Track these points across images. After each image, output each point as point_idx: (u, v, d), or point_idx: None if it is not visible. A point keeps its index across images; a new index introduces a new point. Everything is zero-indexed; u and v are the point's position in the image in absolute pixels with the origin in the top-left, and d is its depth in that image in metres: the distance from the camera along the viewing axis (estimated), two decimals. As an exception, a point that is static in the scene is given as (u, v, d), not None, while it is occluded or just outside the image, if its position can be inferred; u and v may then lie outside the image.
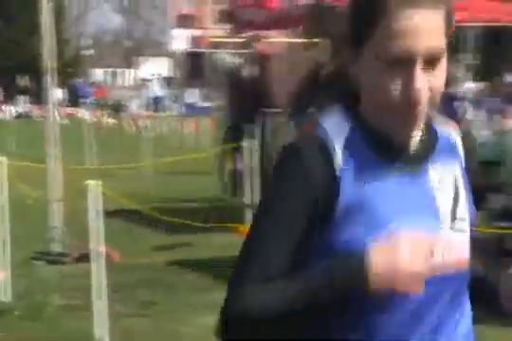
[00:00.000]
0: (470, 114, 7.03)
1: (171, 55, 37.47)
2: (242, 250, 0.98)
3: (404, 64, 0.93)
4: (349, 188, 0.96)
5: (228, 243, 6.68)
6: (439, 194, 1.01)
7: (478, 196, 1.37)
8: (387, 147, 1.00)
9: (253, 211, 7.32)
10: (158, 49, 45.48)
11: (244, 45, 9.32)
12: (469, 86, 10.10)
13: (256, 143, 7.56)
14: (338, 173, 0.97)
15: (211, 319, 3.78)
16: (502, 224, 5.43)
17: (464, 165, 1.07)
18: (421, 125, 0.99)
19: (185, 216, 7.14)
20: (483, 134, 6.43)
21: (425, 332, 0.97)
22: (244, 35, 8.79)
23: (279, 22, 7.77)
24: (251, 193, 7.61)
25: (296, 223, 0.96)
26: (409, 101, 0.93)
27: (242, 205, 8.00)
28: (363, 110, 1.02)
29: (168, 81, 36.06)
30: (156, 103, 30.06)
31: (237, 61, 9.41)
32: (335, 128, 1.00)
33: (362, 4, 0.98)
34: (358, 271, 0.87)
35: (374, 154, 1.00)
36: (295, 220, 0.96)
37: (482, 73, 8.73)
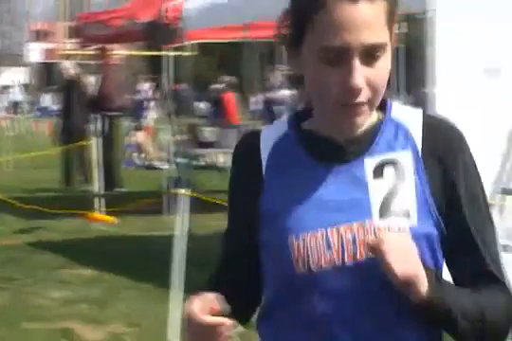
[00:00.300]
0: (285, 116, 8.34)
1: (28, 65, 41.71)
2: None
3: (341, 59, 0.88)
4: (269, 183, 0.98)
5: (76, 227, 7.65)
6: (373, 186, 0.93)
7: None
8: (319, 142, 0.97)
9: (100, 199, 8.21)
10: (17, 60, 47.54)
11: (91, 57, 10.24)
12: (285, 92, 11.61)
13: (100, 140, 8.45)
14: (262, 171, 0.99)
15: (62, 293, 4.96)
16: None
17: (422, 154, 0.95)
18: (363, 119, 0.93)
19: (40, 203, 7.77)
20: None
21: None
22: (91, 48, 9.63)
23: (121, 37, 8.53)
24: (98, 183, 8.32)
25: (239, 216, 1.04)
26: (346, 96, 0.89)
27: (90, 193, 8.63)
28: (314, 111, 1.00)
29: (26, 88, 38.40)
30: (16, 107, 31.42)
31: (79, 70, 10.44)
32: (272, 128, 1.06)
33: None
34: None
35: (303, 150, 0.98)
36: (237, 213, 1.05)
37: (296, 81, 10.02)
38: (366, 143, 0.95)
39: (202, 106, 15.54)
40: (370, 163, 0.94)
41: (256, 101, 16.31)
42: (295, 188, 0.95)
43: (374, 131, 0.97)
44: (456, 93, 3.97)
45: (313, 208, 0.93)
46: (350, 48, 0.86)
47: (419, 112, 1.01)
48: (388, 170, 0.93)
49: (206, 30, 7.24)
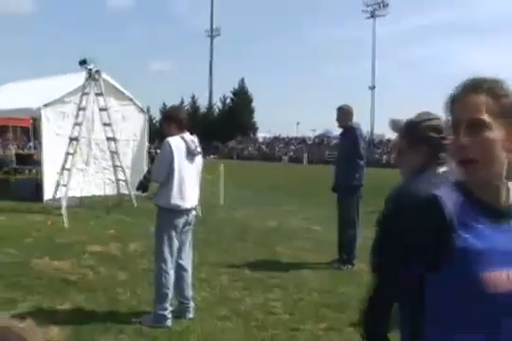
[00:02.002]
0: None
1: None
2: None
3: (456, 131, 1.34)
4: (457, 236, 1.31)
5: None
6: None
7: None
8: (480, 204, 1.34)
9: None
10: None
11: None
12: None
13: None
14: (447, 225, 1.31)
15: None
16: None
17: None
18: (500, 182, 1.34)
19: None
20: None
21: None
22: None
23: None
24: None
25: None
26: (455, 155, 1.35)
27: None
28: None
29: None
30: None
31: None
32: (445, 192, 1.38)
33: None
34: None
35: (472, 210, 1.34)
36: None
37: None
38: None
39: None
40: None
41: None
42: (479, 237, 1.30)
43: None
44: None
45: (498, 253, 1.29)
46: (458, 122, 1.34)
47: None
48: None
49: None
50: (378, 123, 72.11)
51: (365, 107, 70.23)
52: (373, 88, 74.31)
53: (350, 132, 7.08)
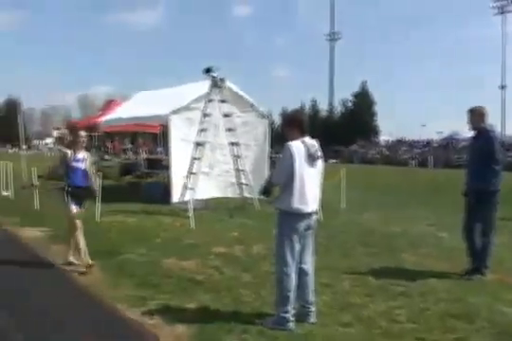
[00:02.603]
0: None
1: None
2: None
3: None
4: None
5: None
6: None
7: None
8: None
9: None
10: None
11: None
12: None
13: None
14: None
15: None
16: None
17: None
18: None
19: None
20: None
21: None
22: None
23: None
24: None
25: None
26: None
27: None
28: None
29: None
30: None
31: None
32: None
33: None
34: None
35: None
36: None
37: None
38: None
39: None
40: None
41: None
42: None
43: None
44: None
45: None
46: None
47: None
48: None
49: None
50: (510, 124, 67.85)
51: (496, 107, 66.38)
52: (503, 87, 70.11)
53: (483, 134, 6.72)
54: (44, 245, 8.40)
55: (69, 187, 7.00)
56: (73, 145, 7.11)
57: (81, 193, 7.04)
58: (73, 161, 6.97)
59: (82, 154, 7.08)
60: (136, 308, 5.24)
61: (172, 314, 5.05)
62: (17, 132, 19.84)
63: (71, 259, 7.19)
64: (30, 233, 9.54)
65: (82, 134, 7.19)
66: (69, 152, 7.03)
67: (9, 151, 79.74)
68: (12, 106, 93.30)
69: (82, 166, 7.03)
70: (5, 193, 16.06)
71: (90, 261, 6.78)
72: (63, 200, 7.02)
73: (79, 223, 6.95)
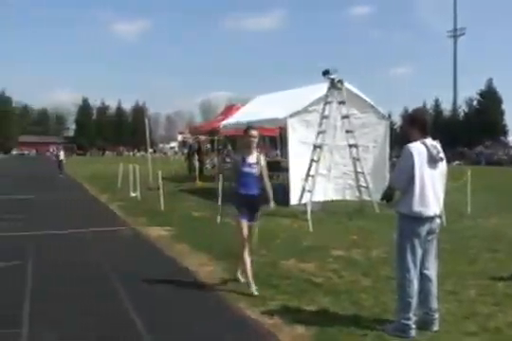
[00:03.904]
0: None
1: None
2: None
3: None
4: None
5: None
6: None
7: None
8: None
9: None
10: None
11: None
12: None
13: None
14: None
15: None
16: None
17: None
18: None
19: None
20: None
21: None
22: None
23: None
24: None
25: None
26: None
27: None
28: None
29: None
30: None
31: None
32: None
33: None
34: None
35: None
36: None
37: None
38: None
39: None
40: None
41: None
42: None
43: None
44: None
45: None
46: None
47: None
48: None
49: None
50: None
51: None
52: None
53: None
54: (168, 244, 8.83)
55: (239, 195, 6.07)
56: (243, 147, 6.22)
57: (253, 203, 6.08)
58: (244, 166, 6.02)
59: (253, 158, 6.09)
60: (256, 307, 5.36)
61: (291, 314, 5.10)
62: (144, 136, 21.02)
63: (239, 276, 6.43)
64: (156, 232, 10.07)
65: (254, 133, 6.11)
66: (239, 157, 6.14)
67: (137, 154, 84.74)
68: (140, 112, 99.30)
69: (254, 171, 6.05)
70: (133, 194, 17.08)
71: (253, 290, 5.90)
72: (231, 211, 6.24)
73: (245, 239, 6.04)
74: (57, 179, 26.42)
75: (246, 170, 6.00)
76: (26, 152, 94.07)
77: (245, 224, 6.00)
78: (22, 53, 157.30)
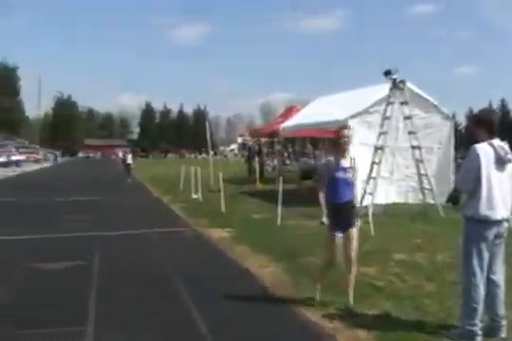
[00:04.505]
0: None
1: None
2: None
3: None
4: None
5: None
6: None
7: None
8: None
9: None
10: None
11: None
12: None
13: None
14: None
15: None
16: None
17: None
18: None
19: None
20: None
21: None
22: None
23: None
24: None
25: None
26: None
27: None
28: None
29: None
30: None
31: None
32: None
33: None
34: None
35: None
36: None
37: None
38: None
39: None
40: None
41: None
42: None
43: None
44: None
45: None
46: None
47: None
48: None
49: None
50: None
51: None
52: None
53: None
54: (229, 246, 8.92)
55: (330, 204, 5.43)
56: (337, 149, 5.54)
57: (346, 210, 5.46)
58: (338, 171, 5.39)
59: (347, 162, 5.49)
60: (316, 310, 5.33)
61: (352, 318, 5.04)
62: (205, 138, 21.33)
63: (317, 287, 5.76)
64: (217, 234, 10.19)
65: (347, 133, 5.46)
66: (332, 159, 5.49)
67: (199, 156, 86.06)
68: (201, 115, 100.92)
69: (349, 176, 5.43)
70: (195, 196, 17.37)
71: (351, 301, 5.50)
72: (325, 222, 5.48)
73: (332, 255, 5.53)
74: (123, 181, 26.14)
75: (340, 175, 5.38)
76: (91, 155, 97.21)
77: (337, 238, 5.44)
78: (86, 58, 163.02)
